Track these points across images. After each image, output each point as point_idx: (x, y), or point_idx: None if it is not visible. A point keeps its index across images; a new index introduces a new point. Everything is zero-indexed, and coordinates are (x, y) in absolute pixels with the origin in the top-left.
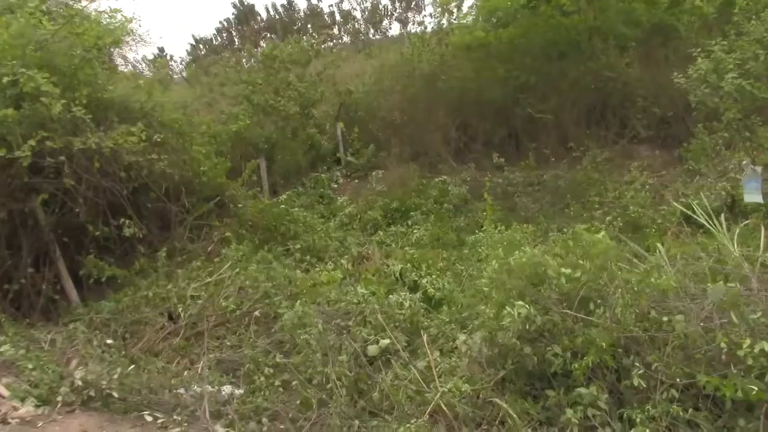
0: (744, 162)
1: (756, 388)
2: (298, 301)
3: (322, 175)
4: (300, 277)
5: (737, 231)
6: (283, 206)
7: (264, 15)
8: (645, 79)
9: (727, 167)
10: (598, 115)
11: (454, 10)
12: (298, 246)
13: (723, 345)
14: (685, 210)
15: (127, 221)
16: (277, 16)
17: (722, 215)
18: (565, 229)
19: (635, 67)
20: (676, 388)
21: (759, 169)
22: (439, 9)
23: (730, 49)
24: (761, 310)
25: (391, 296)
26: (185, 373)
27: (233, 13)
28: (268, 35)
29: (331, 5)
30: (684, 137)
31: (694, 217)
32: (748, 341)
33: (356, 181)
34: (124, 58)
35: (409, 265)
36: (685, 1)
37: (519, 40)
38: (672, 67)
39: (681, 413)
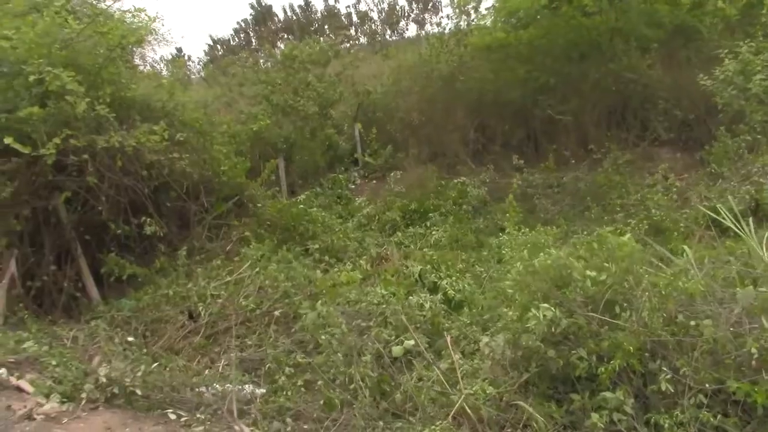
0: None
1: None
2: (320, 302)
3: (340, 175)
4: (319, 277)
5: (766, 235)
6: (301, 206)
7: (281, 16)
8: (666, 81)
9: (750, 171)
10: (619, 117)
11: (472, 12)
12: (317, 246)
13: (754, 350)
14: (711, 213)
15: (148, 220)
16: (295, 17)
17: (750, 219)
18: (586, 232)
19: (657, 68)
20: (704, 393)
21: None
22: (456, 10)
23: (757, 50)
24: None
25: (411, 297)
26: (206, 371)
27: (251, 14)
28: (286, 36)
29: (348, 6)
30: (706, 140)
31: (720, 220)
32: None
33: (374, 182)
34: (143, 57)
35: (428, 266)
36: (708, 3)
37: (539, 41)
38: (694, 69)
39: (710, 419)
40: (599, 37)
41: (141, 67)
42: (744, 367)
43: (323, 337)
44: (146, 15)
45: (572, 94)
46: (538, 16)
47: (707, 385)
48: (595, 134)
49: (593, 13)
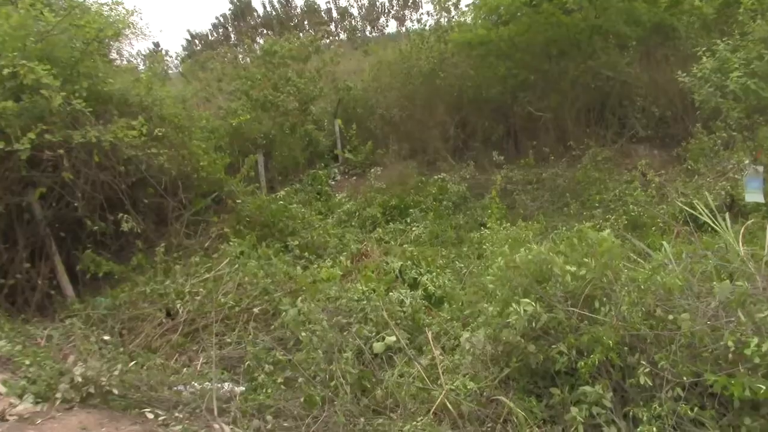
0: (745, 162)
1: (764, 387)
2: (300, 298)
3: (320, 171)
4: (299, 273)
5: (742, 230)
6: (281, 202)
7: (260, 11)
8: (644, 79)
9: (725, 167)
10: (598, 114)
11: (452, 8)
12: (297, 242)
13: (730, 344)
14: (687, 209)
15: (125, 216)
16: (274, 12)
17: (726, 214)
18: (565, 228)
19: (635, 66)
20: (681, 386)
21: (761, 168)
22: (437, 6)
23: (735, 48)
24: (766, 309)
25: (391, 293)
26: (184, 370)
27: (230, 9)
28: (265, 32)
29: (328, 2)
30: (683, 137)
31: (697, 215)
32: (755, 340)
33: (354, 178)
34: (119, 52)
35: (408, 262)
36: (685, 2)
37: (520, 38)
38: (672, 67)
39: (688, 412)
40: (579, 34)
41: (117, 62)
42: (721, 360)
43: (303, 333)
44: (123, 8)
45: (552, 91)
46: (519, 13)
47: (685, 379)
48: (574, 131)
49: (573, 11)
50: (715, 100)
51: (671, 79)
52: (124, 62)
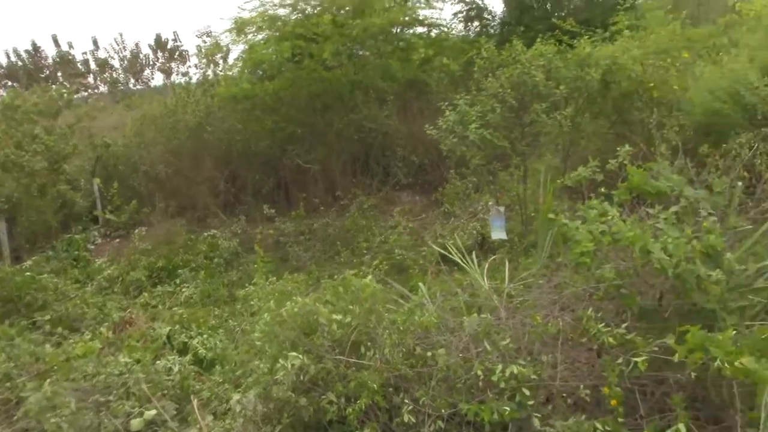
0: (489, 203)
1: (509, 409)
2: (48, 380)
3: (77, 235)
4: (50, 352)
5: (486, 266)
6: (28, 273)
7: (4, 61)
8: (403, 130)
9: (476, 208)
10: (363, 164)
11: (220, 62)
12: (48, 317)
13: (479, 372)
14: (440, 250)
15: None
16: (21, 63)
17: (474, 252)
18: (336, 276)
19: (394, 118)
20: (441, 418)
21: (502, 209)
22: (204, 60)
23: (472, 102)
24: (509, 336)
25: (158, 362)
26: None
27: None
28: (10, 84)
29: (85, 53)
30: (439, 182)
31: (449, 256)
32: (500, 366)
33: (117, 240)
34: None
35: (177, 326)
36: (435, 60)
37: (284, 92)
38: (425, 119)
39: None
40: (341, 89)
41: None
42: (473, 389)
43: (52, 420)
44: None
45: (319, 144)
46: (282, 69)
47: (443, 411)
48: (342, 181)
49: (334, 67)
50: (459, 149)
51: (425, 130)
52: None
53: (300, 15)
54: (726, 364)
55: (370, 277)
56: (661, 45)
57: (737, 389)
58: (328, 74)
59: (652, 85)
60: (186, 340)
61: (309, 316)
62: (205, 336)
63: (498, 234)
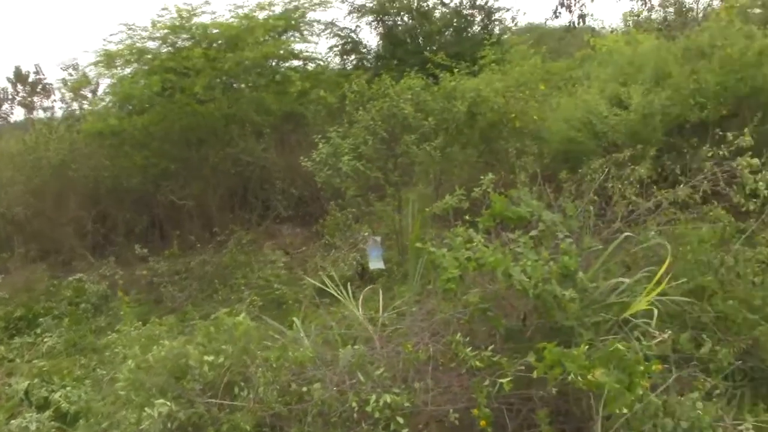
0: (366, 233)
1: None
2: None
3: None
4: None
5: (362, 296)
6: None
7: None
8: (281, 163)
9: (357, 239)
10: (241, 199)
11: (89, 95)
12: None
13: (354, 404)
14: (315, 283)
15: None
16: None
17: (350, 283)
18: (212, 315)
19: (271, 151)
20: None
21: (378, 238)
22: (69, 93)
23: (345, 135)
24: (384, 366)
25: (13, 421)
26: None
27: None
28: None
29: None
30: (320, 214)
31: (325, 287)
32: (374, 396)
33: None
34: None
35: (37, 379)
36: (312, 92)
37: (155, 127)
38: (304, 151)
39: None
40: (215, 122)
41: None
42: (348, 421)
43: None
44: None
45: (194, 179)
46: (153, 103)
47: None
48: (219, 217)
49: (207, 101)
50: (334, 180)
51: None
52: None
53: (170, 48)
54: (580, 378)
55: (243, 314)
56: (522, 78)
57: (594, 401)
58: (201, 108)
59: (513, 115)
60: (47, 394)
61: (178, 359)
62: (68, 388)
63: (375, 264)
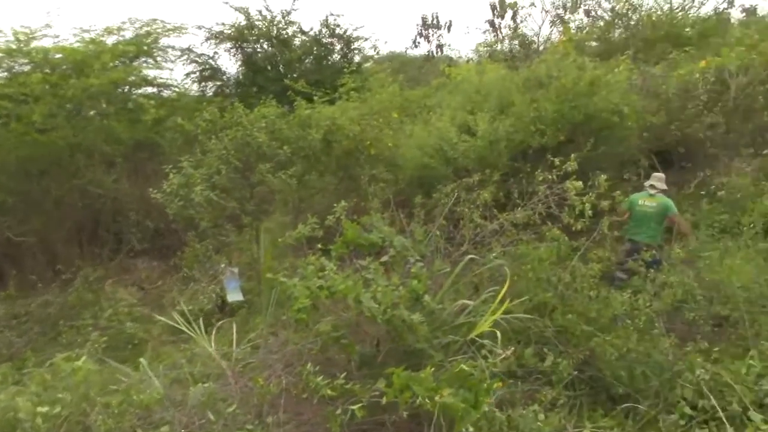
0: (223, 265)
1: None
2: None
3: None
4: None
5: (216, 330)
6: None
7: None
8: (135, 194)
9: (216, 271)
10: (91, 233)
11: None
12: None
13: None
14: (166, 320)
15: None
16: None
17: (211, 317)
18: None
19: (124, 182)
20: None
21: (236, 270)
22: None
23: (198, 164)
24: (236, 402)
25: None
26: None
27: None
28: None
29: None
30: (178, 246)
31: (177, 325)
32: None
33: None
34: None
35: None
36: (168, 120)
37: None
38: (159, 181)
39: None
40: (59, 152)
41: None
42: None
43: None
44: None
45: (35, 213)
46: None
47: None
48: (65, 253)
49: (48, 129)
50: (186, 212)
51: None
52: None
53: (6, 73)
54: (428, 400)
55: (84, 358)
56: (378, 106)
57: (444, 421)
58: (41, 137)
59: (369, 143)
60: None
61: (6, 412)
62: None
63: (234, 296)
